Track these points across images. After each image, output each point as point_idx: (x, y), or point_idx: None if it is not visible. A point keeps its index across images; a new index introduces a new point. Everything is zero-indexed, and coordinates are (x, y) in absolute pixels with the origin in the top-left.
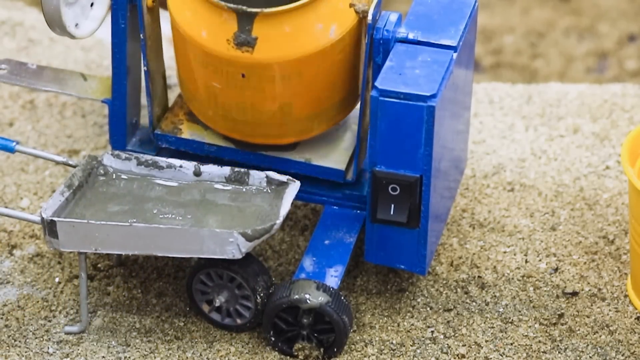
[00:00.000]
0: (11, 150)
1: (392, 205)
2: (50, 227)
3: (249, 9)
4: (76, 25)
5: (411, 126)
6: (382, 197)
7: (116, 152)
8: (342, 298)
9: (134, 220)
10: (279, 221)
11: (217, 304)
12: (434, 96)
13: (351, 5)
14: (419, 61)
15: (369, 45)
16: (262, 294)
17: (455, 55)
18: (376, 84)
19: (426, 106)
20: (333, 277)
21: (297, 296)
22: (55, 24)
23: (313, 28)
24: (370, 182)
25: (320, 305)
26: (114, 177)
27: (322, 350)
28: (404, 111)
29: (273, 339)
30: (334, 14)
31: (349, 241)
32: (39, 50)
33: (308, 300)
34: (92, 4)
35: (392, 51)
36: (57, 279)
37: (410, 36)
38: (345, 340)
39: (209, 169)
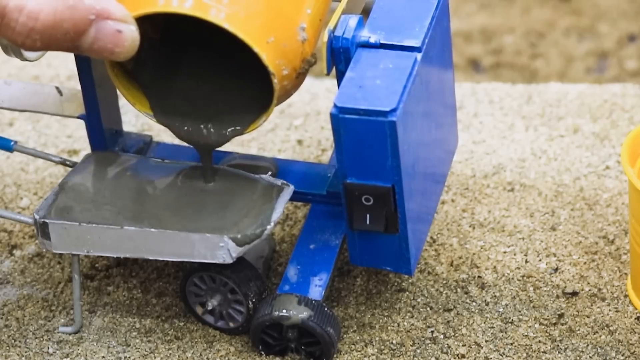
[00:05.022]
0: (9, 149)
1: (368, 215)
2: (42, 229)
3: None
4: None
5: (375, 141)
6: (356, 208)
7: (112, 152)
8: (326, 309)
9: (126, 222)
10: (270, 227)
11: (210, 307)
12: (394, 110)
13: None
14: (381, 69)
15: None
16: (254, 300)
17: (419, 56)
18: (335, 101)
19: (387, 121)
20: (317, 287)
21: (277, 313)
22: (11, 47)
23: None
24: (343, 193)
25: (302, 321)
26: (110, 177)
27: None
28: (366, 127)
29: (263, 353)
30: None
31: (334, 244)
32: None
33: (289, 317)
34: None
35: (353, 59)
36: (57, 279)
37: (372, 40)
38: (333, 351)
39: None
